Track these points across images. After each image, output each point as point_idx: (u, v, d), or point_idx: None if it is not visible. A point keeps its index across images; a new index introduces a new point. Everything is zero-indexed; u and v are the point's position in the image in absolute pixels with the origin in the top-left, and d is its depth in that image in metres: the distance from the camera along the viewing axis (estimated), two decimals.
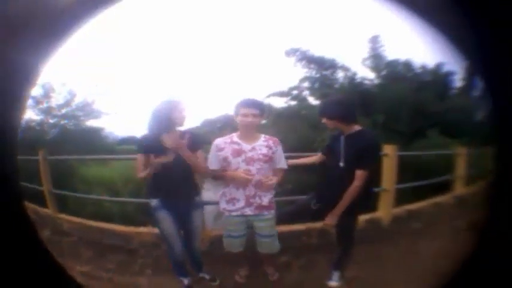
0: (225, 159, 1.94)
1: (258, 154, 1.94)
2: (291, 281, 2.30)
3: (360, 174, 1.85)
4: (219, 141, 1.98)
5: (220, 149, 1.96)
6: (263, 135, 2.01)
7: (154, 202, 1.97)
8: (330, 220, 1.94)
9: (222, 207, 2.03)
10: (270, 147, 1.97)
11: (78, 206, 3.34)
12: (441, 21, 0.80)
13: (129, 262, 2.60)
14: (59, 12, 0.72)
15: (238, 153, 1.93)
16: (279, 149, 2.02)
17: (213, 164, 1.98)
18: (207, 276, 2.26)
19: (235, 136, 1.98)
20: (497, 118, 0.80)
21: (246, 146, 1.94)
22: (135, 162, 1.91)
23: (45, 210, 3.29)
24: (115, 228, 2.97)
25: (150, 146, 1.85)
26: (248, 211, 1.97)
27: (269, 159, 1.96)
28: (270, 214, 2.03)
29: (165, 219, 1.96)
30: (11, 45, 0.69)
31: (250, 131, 1.94)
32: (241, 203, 1.97)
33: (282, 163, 2.04)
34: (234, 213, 1.99)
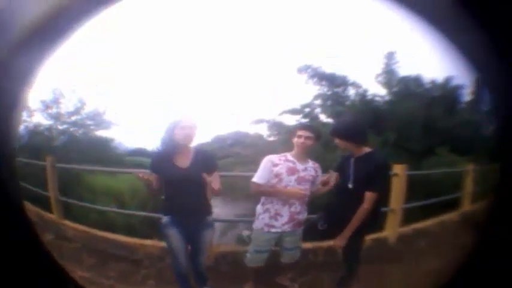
0: (278, 175, 2.03)
1: (309, 175, 2.06)
2: None
3: (369, 197, 1.85)
4: (273, 157, 2.07)
5: (275, 165, 2.04)
6: (309, 159, 2.12)
7: (165, 219, 1.98)
8: (339, 242, 1.94)
9: (264, 223, 2.08)
10: (316, 171, 2.10)
11: (83, 214, 3.35)
12: (452, 33, 0.79)
13: (132, 272, 2.59)
14: (57, 12, 0.71)
15: (292, 171, 2.03)
16: (320, 174, 2.14)
17: (262, 178, 2.03)
18: None
19: (289, 155, 2.07)
20: (502, 133, 0.80)
21: (299, 166, 2.05)
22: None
23: (50, 215, 3.29)
24: (120, 238, 2.97)
25: (157, 164, 1.90)
26: (287, 228, 2.07)
27: (313, 182, 2.09)
28: (300, 230, 2.15)
29: (175, 236, 1.96)
30: (8, 45, 0.68)
31: (304, 152, 2.05)
32: (285, 219, 2.06)
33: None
34: (274, 230, 2.07)
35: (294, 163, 2.04)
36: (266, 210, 2.08)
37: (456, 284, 0.86)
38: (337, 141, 1.97)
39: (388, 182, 2.33)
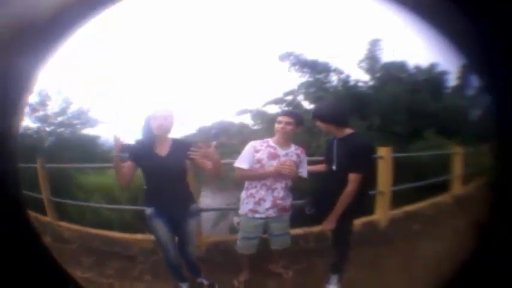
0: (259, 160, 2.05)
1: (290, 160, 2.05)
2: (289, 285, 2.32)
3: (353, 178, 1.84)
4: (256, 143, 2.10)
5: (257, 151, 2.07)
6: (293, 144, 2.13)
7: (149, 211, 1.98)
8: (327, 225, 1.94)
9: (248, 208, 2.10)
10: (298, 156, 2.10)
11: (76, 214, 3.35)
12: (437, 18, 0.80)
13: (128, 268, 2.60)
14: (56, 13, 0.71)
15: (273, 156, 2.05)
16: (304, 159, 2.15)
17: (244, 163, 2.06)
18: (205, 282, 2.26)
19: (270, 141, 2.10)
20: (496, 115, 0.79)
21: (280, 151, 2.07)
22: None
23: (45, 217, 3.29)
24: (114, 235, 2.98)
25: (136, 153, 1.91)
26: (272, 213, 2.08)
27: (297, 167, 2.08)
28: (287, 215, 2.17)
29: (160, 226, 1.97)
30: (8, 48, 0.68)
31: (284, 137, 2.06)
32: (268, 204, 2.07)
33: (304, 172, 2.14)
34: (258, 216, 2.09)
35: (275, 148, 2.06)
36: (250, 196, 2.10)
37: (456, 284, 0.87)
38: (318, 123, 1.98)
39: (372, 163, 2.33)
